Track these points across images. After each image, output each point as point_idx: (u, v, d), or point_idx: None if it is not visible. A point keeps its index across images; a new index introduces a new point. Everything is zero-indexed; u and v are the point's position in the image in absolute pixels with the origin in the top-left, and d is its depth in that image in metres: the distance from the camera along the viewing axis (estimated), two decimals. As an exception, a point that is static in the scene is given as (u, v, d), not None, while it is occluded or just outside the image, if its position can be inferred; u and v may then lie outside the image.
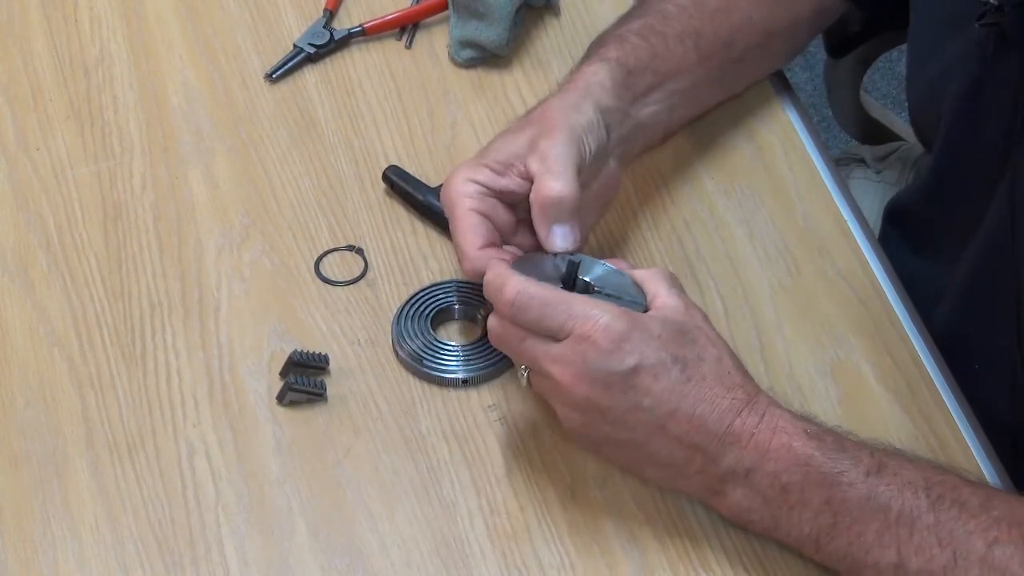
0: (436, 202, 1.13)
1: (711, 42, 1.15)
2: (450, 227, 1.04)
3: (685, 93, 1.15)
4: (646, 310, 0.96)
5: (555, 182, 0.99)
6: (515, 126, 1.07)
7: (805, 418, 0.95)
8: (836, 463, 0.91)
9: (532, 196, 1.01)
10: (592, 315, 0.92)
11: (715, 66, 1.16)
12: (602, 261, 1.00)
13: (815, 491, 0.91)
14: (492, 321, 0.97)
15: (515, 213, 1.05)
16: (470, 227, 1.01)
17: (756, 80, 1.24)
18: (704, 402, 0.92)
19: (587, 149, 1.03)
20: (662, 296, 0.97)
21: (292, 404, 1.04)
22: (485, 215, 1.02)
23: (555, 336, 0.93)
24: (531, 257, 1.02)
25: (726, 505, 0.95)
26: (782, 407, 0.94)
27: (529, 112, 1.08)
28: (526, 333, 0.94)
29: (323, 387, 1.04)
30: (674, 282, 0.98)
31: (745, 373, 0.96)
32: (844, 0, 1.24)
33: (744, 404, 0.93)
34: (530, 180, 1.02)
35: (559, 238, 1.00)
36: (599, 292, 0.97)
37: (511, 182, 1.03)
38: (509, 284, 0.94)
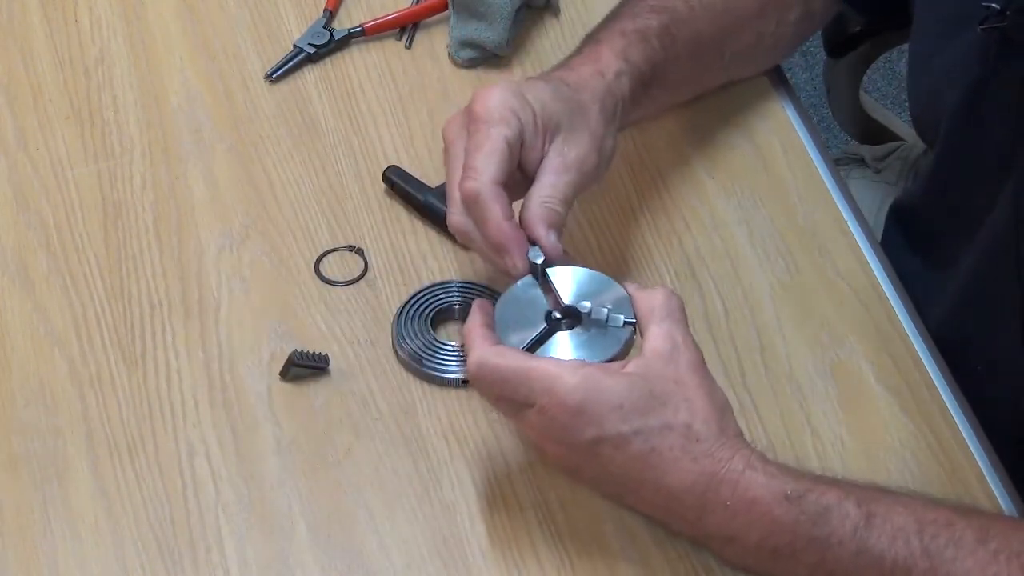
0: (436, 202, 1.12)
1: (707, 46, 1.15)
2: (468, 142, 0.97)
3: (678, 97, 1.18)
4: (632, 334, 0.94)
5: (562, 205, 0.98)
6: (555, 85, 1.02)
7: (783, 471, 0.91)
8: (822, 526, 0.88)
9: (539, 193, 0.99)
10: (549, 389, 0.90)
11: (704, 68, 1.17)
12: (592, 272, 0.98)
13: (805, 553, 0.89)
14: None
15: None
16: (495, 156, 0.96)
17: (729, 82, 1.23)
18: (670, 474, 0.90)
19: (601, 161, 1.03)
20: (650, 336, 0.93)
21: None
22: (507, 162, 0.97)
23: (522, 405, 0.92)
24: (518, 291, 0.98)
25: (719, 556, 0.95)
26: (756, 466, 0.90)
27: (565, 73, 1.05)
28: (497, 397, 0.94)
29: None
30: (670, 312, 0.93)
31: (719, 433, 0.91)
32: (833, 6, 1.24)
33: (712, 476, 0.90)
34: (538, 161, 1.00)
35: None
36: (586, 316, 0.95)
37: (535, 151, 0.99)
38: (472, 354, 0.92)
